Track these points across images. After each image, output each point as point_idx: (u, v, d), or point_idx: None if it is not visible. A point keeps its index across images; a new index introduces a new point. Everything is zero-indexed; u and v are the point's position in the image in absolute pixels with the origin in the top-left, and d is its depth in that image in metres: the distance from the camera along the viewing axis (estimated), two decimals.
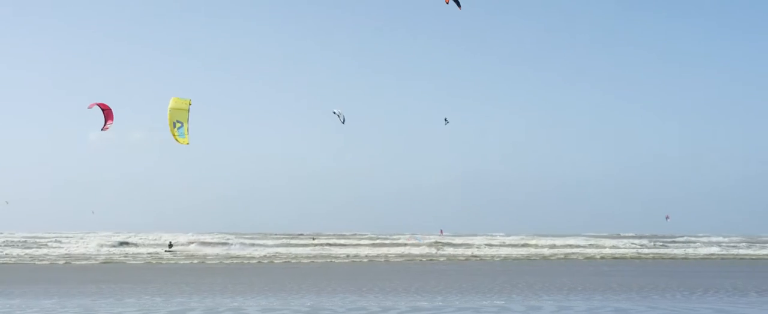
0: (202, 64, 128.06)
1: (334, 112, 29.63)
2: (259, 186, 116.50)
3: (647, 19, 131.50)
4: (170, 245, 57.40)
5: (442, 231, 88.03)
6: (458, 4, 23.22)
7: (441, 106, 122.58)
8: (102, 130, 17.18)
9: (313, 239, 74.58)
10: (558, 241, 69.49)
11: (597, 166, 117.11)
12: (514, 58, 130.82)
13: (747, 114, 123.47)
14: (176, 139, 17.13)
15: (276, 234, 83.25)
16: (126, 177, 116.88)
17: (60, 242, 61.37)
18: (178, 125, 17.00)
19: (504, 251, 55.93)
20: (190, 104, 17.05)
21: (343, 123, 30.42)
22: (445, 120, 33.81)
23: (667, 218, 70.47)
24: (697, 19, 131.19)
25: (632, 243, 68.22)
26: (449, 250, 56.22)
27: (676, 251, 58.58)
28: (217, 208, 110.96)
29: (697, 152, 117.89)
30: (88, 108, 16.84)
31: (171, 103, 17.13)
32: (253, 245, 59.88)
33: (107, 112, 16.79)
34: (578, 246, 62.55)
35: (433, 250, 55.64)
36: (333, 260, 45.30)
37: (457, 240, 71.50)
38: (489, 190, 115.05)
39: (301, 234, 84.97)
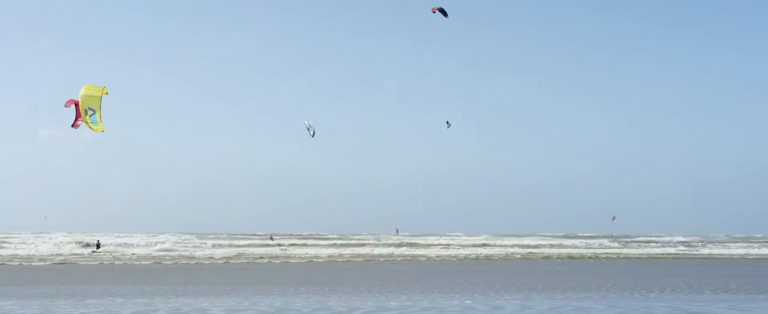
0: (160, 69, 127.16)
1: (305, 124, 29.75)
2: (215, 188, 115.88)
3: (605, 21, 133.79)
4: (98, 245, 55.40)
5: (397, 231, 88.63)
6: (445, 14, 23.72)
7: (398, 106, 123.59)
8: (72, 126, 17.06)
9: (272, 239, 74.51)
10: (517, 241, 70.51)
11: (555, 168, 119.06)
12: (473, 59, 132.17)
13: (711, 117, 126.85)
14: (89, 126, 16.89)
15: (234, 235, 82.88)
16: (79, 176, 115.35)
17: (11, 242, 60.36)
18: (89, 112, 16.76)
19: (464, 251, 56.60)
20: (105, 93, 16.80)
21: (312, 136, 30.45)
22: (447, 123, 34.37)
23: (613, 219, 72.16)
24: (657, 20, 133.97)
25: (590, 243, 69.48)
26: (406, 250, 56.65)
27: (634, 251, 59.86)
28: (173, 208, 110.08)
29: (657, 154, 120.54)
30: (65, 106, 16.70)
31: (83, 91, 16.78)
32: (213, 246, 59.61)
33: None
34: (537, 246, 63.52)
35: (393, 250, 56.01)
36: (290, 260, 45.39)
37: (419, 241, 72.13)
38: (445, 192, 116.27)
39: (255, 234, 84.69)
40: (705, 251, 61.56)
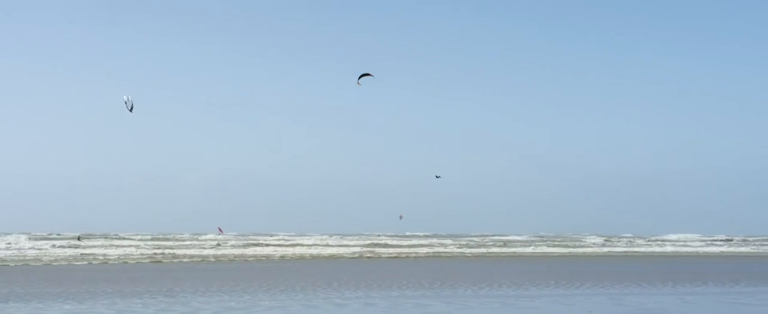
0: None
1: (124, 99, 30.72)
2: (21, 186, 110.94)
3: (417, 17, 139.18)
4: None
5: (220, 230, 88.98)
6: (359, 79, 26.42)
7: (205, 101, 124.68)
8: None
9: (79, 240, 72.92)
10: (357, 241, 73.37)
11: (386, 169, 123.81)
12: (296, 58, 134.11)
13: (533, 117, 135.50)
14: None
15: (37, 236, 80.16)
16: None
17: None
18: None
19: (300, 250, 58.51)
20: None
21: (130, 111, 31.38)
22: (437, 176, 38.95)
23: (400, 217, 75.97)
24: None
25: (428, 242, 73.40)
26: (235, 251, 57.70)
27: (470, 249, 64.06)
28: None
29: (482, 156, 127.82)
30: None
31: None
32: (18, 248, 57.84)
33: None
34: (373, 245, 66.52)
35: (216, 251, 56.84)
36: (110, 262, 45.32)
37: (259, 240, 73.32)
38: (278, 190, 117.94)
39: (60, 235, 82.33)
40: (529, 249, 66.93)
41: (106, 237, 77.89)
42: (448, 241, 77.80)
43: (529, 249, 67.05)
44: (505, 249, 66.40)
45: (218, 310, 18.94)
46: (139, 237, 79.64)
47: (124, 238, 76.49)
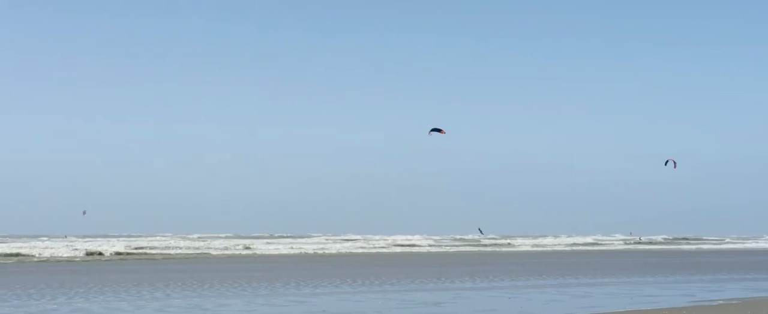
0: None
1: None
2: None
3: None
4: None
5: (66, 236, 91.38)
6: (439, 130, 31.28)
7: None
8: None
9: None
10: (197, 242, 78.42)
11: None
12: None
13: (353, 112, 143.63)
14: None
15: None
16: None
17: None
18: None
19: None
20: None
21: None
22: (480, 230, 45.27)
23: (84, 213, 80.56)
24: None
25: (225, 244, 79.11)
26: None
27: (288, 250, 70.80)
28: None
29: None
30: None
31: None
32: None
33: None
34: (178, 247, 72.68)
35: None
36: None
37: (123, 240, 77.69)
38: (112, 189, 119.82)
39: None
40: (374, 250, 74.99)
41: None
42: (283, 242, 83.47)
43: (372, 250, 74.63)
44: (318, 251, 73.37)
45: (107, 310, 22.68)
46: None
47: None
